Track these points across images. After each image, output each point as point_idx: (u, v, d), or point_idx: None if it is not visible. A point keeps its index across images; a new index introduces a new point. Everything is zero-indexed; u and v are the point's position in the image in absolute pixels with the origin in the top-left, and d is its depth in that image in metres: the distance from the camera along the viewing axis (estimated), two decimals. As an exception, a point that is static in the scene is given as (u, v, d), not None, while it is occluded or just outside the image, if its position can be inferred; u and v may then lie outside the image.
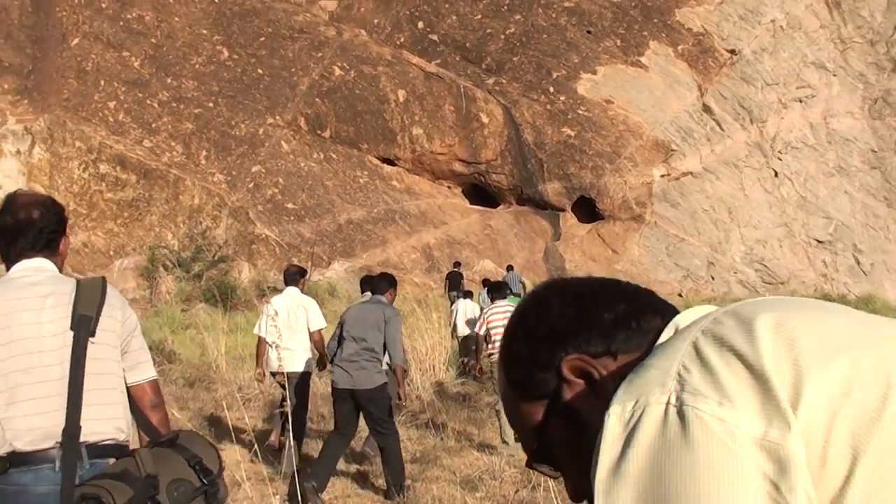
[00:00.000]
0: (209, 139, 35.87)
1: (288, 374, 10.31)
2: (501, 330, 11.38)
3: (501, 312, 11.69)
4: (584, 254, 36.47)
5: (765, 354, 1.12)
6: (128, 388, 3.64)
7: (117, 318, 3.60)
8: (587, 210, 37.97)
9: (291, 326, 10.44)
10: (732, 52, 42.14)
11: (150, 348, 16.86)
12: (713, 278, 36.92)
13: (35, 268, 3.59)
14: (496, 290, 12.63)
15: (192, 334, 20.98)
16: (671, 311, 1.37)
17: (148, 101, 36.50)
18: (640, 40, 41.31)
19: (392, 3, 43.01)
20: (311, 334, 10.51)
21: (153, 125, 35.85)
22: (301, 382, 10.65)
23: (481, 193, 39.70)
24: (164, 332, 20.72)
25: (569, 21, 41.63)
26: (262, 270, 31.11)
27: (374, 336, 9.00)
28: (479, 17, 42.31)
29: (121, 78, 36.94)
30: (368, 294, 10.01)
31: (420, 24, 42.46)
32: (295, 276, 10.90)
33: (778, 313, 1.17)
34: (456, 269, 30.17)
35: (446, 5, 42.78)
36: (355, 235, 34.69)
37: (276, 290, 27.92)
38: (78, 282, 3.60)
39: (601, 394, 1.26)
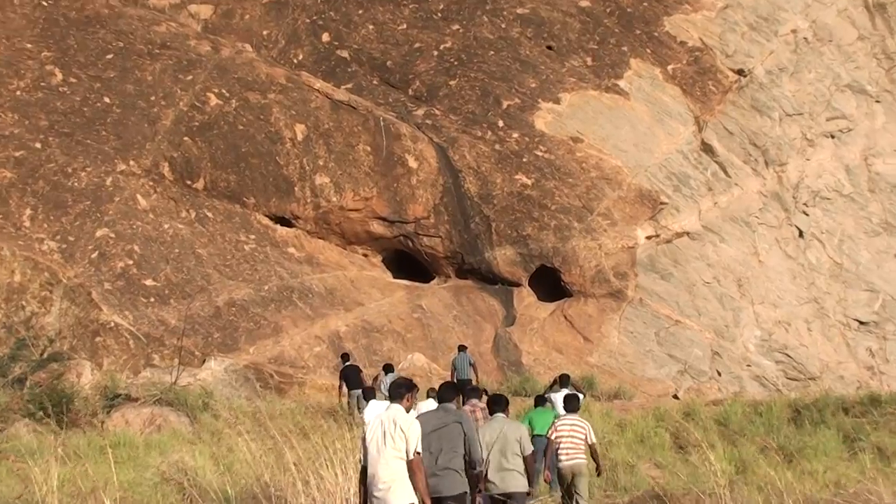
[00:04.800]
0: (36, 192, 36.06)
1: None
2: (568, 440, 17.61)
3: (568, 425, 17.83)
4: (547, 343, 37.18)
5: None
6: None
7: None
8: (550, 284, 38.77)
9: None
10: (740, 72, 43.77)
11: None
12: (720, 374, 37.71)
13: None
14: (567, 402, 18.34)
15: (8, 464, 20.21)
16: None
17: (-49, 141, 36.70)
18: (617, 58, 42.81)
19: (286, 9, 44.07)
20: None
21: (-41, 173, 36.03)
22: None
23: (409, 263, 40.38)
24: (-32, 460, 20.18)
25: (523, 33, 43.04)
26: (110, 372, 30.97)
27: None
28: (405, 26, 43.54)
29: (-87, 108, 37.18)
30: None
31: (325, 37, 43.59)
32: (400, 391, 12.56)
33: None
34: (350, 363, 30.98)
35: (360, 11, 43.95)
36: (238, 322, 35.01)
37: (130, 399, 28.25)
38: None
39: None
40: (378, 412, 19.77)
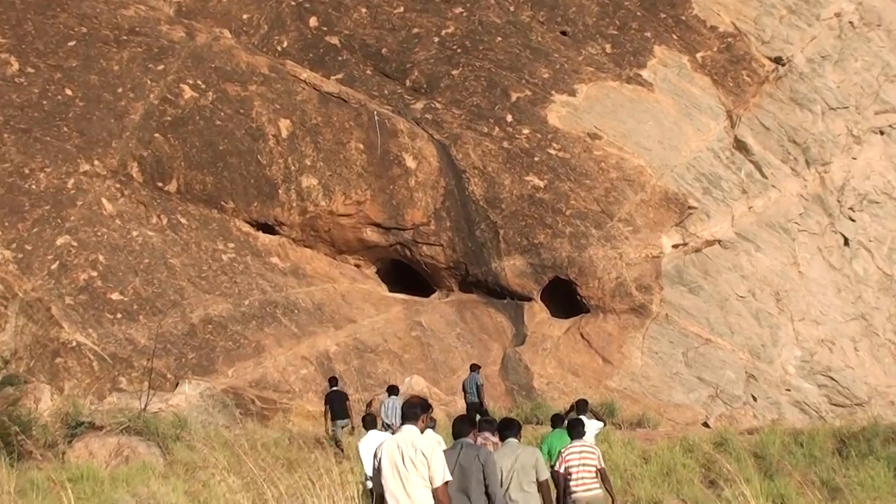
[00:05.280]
0: (-10, 196, 36.16)
1: None
2: (579, 469, 18.31)
3: (577, 452, 18.52)
4: (561, 364, 37.16)
5: None
6: None
7: None
8: (564, 299, 38.77)
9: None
10: (778, 60, 43.76)
11: None
12: (755, 399, 37.60)
13: None
14: (572, 428, 19.13)
15: (-44, 501, 20.43)
16: None
17: None
18: (640, 45, 42.88)
19: (270, -10, 44.17)
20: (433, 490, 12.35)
21: None
22: None
23: (406, 275, 40.43)
24: (-86, 496, 20.28)
25: (534, 17, 43.04)
26: (72, 397, 30.93)
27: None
28: (402, 10, 43.52)
29: None
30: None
31: (312, 21, 43.57)
32: (415, 410, 12.83)
33: None
34: (335, 389, 30.85)
35: (352, -8, 44.05)
36: (215, 341, 35.00)
37: (94, 427, 28.18)
38: None
39: None
40: (377, 443, 20.01)
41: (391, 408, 27.78)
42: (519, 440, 15.80)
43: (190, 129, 38.82)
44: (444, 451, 13.17)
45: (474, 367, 32.60)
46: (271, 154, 38.96)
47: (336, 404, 29.98)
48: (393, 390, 29.56)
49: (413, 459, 12.15)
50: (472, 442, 13.80)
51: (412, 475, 12.11)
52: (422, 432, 12.56)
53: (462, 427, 13.85)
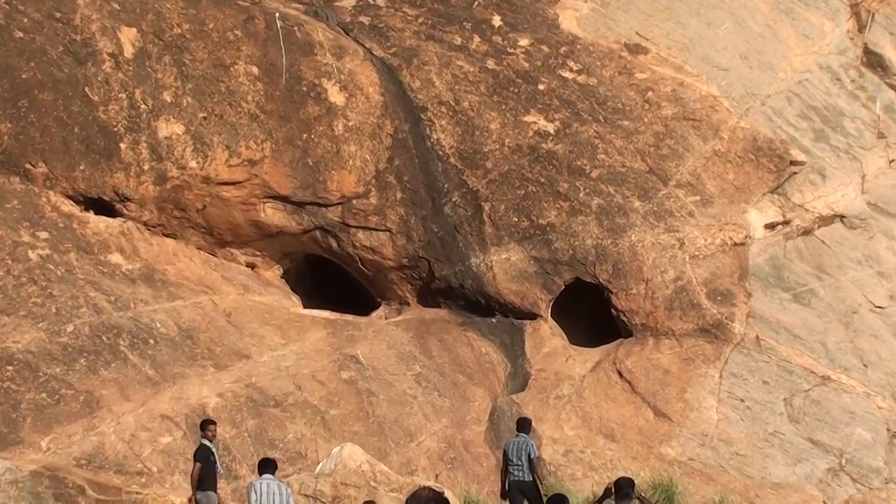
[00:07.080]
0: None
1: None
2: None
3: None
4: (587, 421, 37.28)
5: None
6: None
7: None
8: (591, 315, 39.25)
9: None
10: (931, -75, 44.08)
11: None
12: (905, 474, 37.87)
13: None
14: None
15: None
16: None
17: None
18: None
19: None
20: None
21: None
22: None
23: (332, 281, 40.74)
24: None
25: None
26: None
27: None
28: None
29: None
30: None
31: None
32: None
33: None
34: (203, 442, 30.41)
35: None
36: (20, 392, 34.76)
37: None
38: None
39: None
40: None
41: (258, 494, 27.22)
42: None
43: (-27, 47, 38.71)
44: None
45: (523, 425, 32.28)
46: (108, 85, 38.99)
47: (213, 467, 29.70)
48: (267, 466, 28.85)
49: None
50: None
51: None
52: None
53: None
